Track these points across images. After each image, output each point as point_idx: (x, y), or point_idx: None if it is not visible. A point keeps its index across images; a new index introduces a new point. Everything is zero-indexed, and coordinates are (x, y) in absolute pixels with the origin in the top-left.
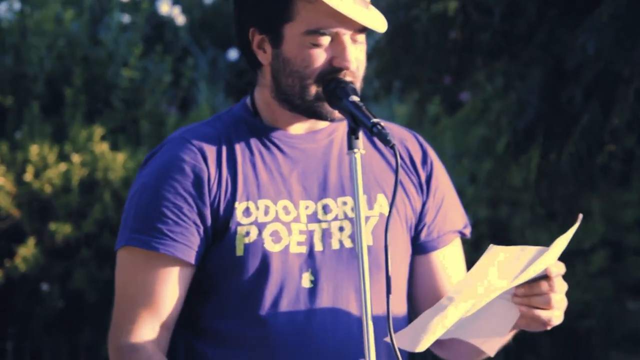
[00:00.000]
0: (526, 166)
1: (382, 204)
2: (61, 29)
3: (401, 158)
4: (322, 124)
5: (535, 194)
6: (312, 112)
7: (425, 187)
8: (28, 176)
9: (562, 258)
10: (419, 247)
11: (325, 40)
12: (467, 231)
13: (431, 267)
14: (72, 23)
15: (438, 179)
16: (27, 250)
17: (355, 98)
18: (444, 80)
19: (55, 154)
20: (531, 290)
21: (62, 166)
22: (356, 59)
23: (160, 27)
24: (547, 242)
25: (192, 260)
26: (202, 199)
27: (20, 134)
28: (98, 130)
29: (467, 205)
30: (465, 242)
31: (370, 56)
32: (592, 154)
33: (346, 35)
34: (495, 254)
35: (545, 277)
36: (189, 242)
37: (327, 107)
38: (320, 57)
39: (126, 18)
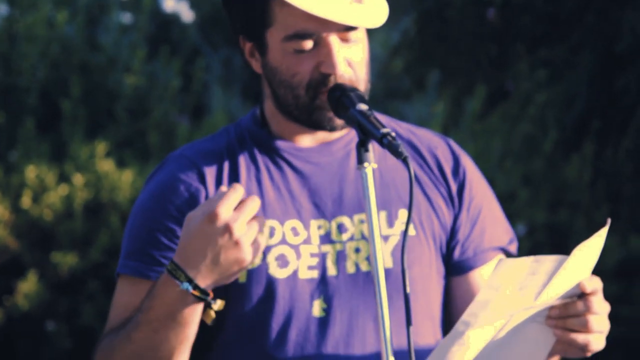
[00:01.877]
0: (580, 165)
1: (404, 220)
2: (54, 33)
3: (428, 168)
4: (337, 134)
5: (591, 195)
6: (310, 122)
7: (456, 199)
8: (25, 202)
9: (633, 265)
10: (454, 267)
11: (308, 44)
12: (513, 247)
13: (469, 289)
14: (67, 26)
15: (473, 189)
16: (29, 285)
17: (363, 106)
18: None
19: (54, 175)
20: (566, 311)
21: (63, 189)
22: (348, 60)
23: (166, 26)
24: (612, 249)
25: None
26: None
27: (14, 154)
28: (101, 146)
29: (521, 210)
30: (521, 252)
31: (397, 49)
32: None
33: (332, 35)
34: (507, 268)
35: (581, 295)
36: None
37: (326, 115)
38: (304, 63)
39: (127, 17)
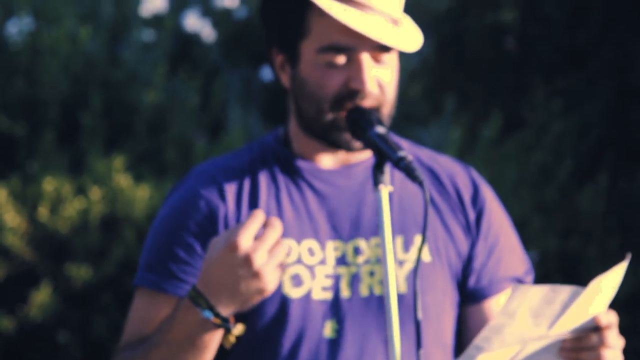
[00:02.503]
0: (594, 194)
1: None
2: (77, 48)
3: (447, 195)
4: (359, 157)
5: (604, 225)
6: (330, 140)
7: (474, 227)
8: (42, 213)
9: (634, 297)
10: (469, 295)
11: (341, 59)
12: (529, 279)
13: (483, 318)
14: (89, 41)
15: (491, 218)
16: (42, 296)
17: (381, 129)
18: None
19: (72, 187)
20: (580, 344)
21: (80, 201)
22: (378, 80)
23: (187, 44)
24: (623, 280)
25: None
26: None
27: (33, 165)
28: (119, 160)
29: (534, 237)
30: (533, 279)
31: (416, 74)
32: None
33: (365, 54)
34: (523, 295)
35: (595, 328)
36: None
37: (345, 136)
38: (334, 77)
39: (149, 35)
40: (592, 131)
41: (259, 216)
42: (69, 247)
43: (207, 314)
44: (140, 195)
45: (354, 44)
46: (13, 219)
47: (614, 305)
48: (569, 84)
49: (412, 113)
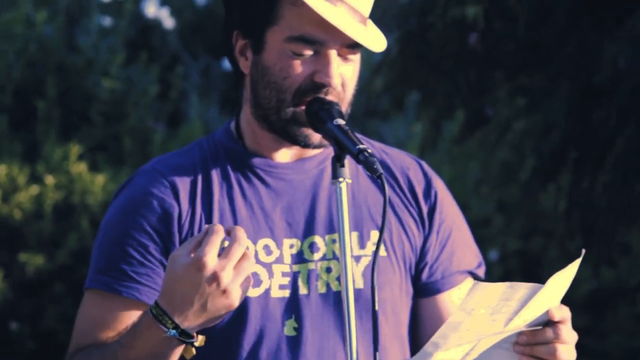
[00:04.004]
0: (556, 194)
1: (375, 241)
2: (32, 32)
3: (400, 189)
4: (312, 151)
5: (566, 225)
6: (286, 133)
7: (427, 221)
8: None
9: (603, 297)
10: (421, 289)
11: (308, 51)
12: (481, 271)
13: (436, 311)
14: (45, 26)
15: (443, 212)
16: None
17: (341, 121)
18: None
19: (26, 175)
20: (534, 338)
21: (34, 189)
22: (342, 77)
23: (146, 31)
24: (584, 280)
25: None
26: (170, 237)
27: None
28: (75, 149)
29: (494, 236)
30: (493, 278)
31: (379, 68)
32: (630, 181)
33: (333, 49)
34: (482, 292)
35: (549, 323)
36: (154, 284)
37: (303, 131)
38: (300, 68)
39: (107, 21)
40: (554, 130)
41: (219, 231)
42: (22, 235)
43: (173, 333)
44: (96, 183)
45: (326, 38)
46: None
47: (573, 306)
48: (532, 82)
49: (374, 108)
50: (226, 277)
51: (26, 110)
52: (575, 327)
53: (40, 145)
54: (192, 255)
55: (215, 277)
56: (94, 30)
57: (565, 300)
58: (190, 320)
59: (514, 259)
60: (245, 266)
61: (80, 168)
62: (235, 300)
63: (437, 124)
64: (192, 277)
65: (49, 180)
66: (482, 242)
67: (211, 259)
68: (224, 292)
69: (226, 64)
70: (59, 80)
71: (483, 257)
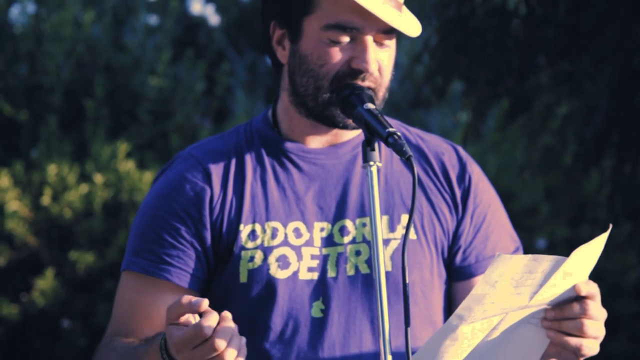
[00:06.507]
0: (599, 179)
1: (405, 225)
2: (80, 33)
3: (433, 173)
4: (346, 137)
5: (609, 210)
6: (324, 117)
7: (460, 205)
8: (46, 200)
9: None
10: (455, 273)
11: (345, 38)
12: None
13: None
14: (93, 26)
15: (478, 196)
16: (46, 282)
17: (371, 105)
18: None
19: (75, 174)
20: (561, 314)
21: (84, 188)
22: (379, 62)
23: (192, 29)
24: (632, 267)
25: (187, 284)
26: (202, 220)
27: (36, 152)
28: (123, 147)
29: (542, 225)
30: None
31: (419, 56)
32: None
33: (369, 35)
34: (505, 264)
35: (577, 298)
36: (186, 267)
37: (340, 113)
38: (337, 55)
39: (153, 19)
40: (596, 114)
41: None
42: (73, 234)
43: None
44: (144, 181)
45: (362, 24)
46: (16, 205)
47: (622, 293)
48: (574, 67)
49: (418, 97)
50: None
51: (75, 110)
52: (625, 313)
53: (89, 145)
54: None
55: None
56: (141, 29)
57: (613, 287)
58: None
59: (562, 247)
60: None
61: (128, 166)
62: None
63: (480, 112)
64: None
65: (98, 178)
66: (530, 231)
67: (221, 344)
68: None
69: None
70: (107, 80)
71: (531, 246)
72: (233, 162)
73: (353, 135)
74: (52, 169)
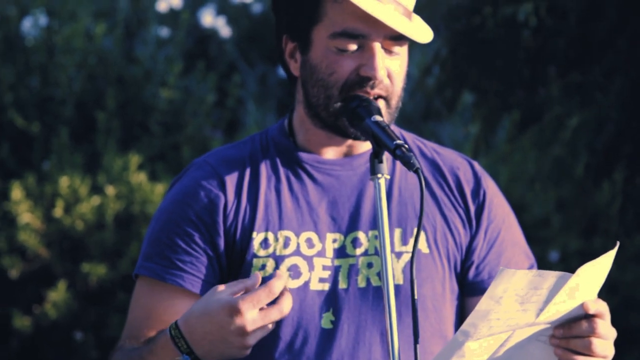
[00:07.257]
0: (610, 191)
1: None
2: (92, 45)
3: (448, 188)
4: (361, 149)
5: (620, 222)
6: (336, 127)
7: (474, 220)
8: (58, 211)
9: None
10: (468, 288)
11: (352, 46)
12: None
13: None
14: (104, 38)
15: (492, 212)
16: (58, 294)
17: (379, 118)
18: (516, 93)
19: (87, 186)
20: (570, 332)
21: (95, 200)
22: (388, 70)
23: (203, 41)
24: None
25: (199, 290)
26: (215, 227)
27: (48, 164)
28: (134, 159)
29: (555, 237)
30: None
31: (429, 68)
32: None
33: (376, 42)
34: (508, 279)
35: (586, 316)
36: (198, 272)
37: (349, 125)
38: (345, 64)
39: (165, 32)
40: (607, 125)
41: (272, 289)
42: (85, 246)
43: (186, 358)
44: (156, 193)
45: (368, 31)
46: (29, 217)
47: (635, 305)
48: (585, 78)
49: (428, 110)
50: (252, 337)
51: (87, 122)
52: (638, 326)
53: (100, 157)
54: (234, 297)
55: (243, 331)
56: (152, 41)
57: (627, 299)
58: (204, 352)
59: (575, 259)
60: (269, 328)
61: (140, 178)
62: (252, 344)
63: (491, 123)
64: (222, 319)
65: (110, 190)
66: (543, 243)
67: (249, 313)
68: (244, 345)
69: (282, 71)
70: (118, 92)
71: (543, 258)
72: (248, 170)
73: (369, 147)
74: (64, 181)
